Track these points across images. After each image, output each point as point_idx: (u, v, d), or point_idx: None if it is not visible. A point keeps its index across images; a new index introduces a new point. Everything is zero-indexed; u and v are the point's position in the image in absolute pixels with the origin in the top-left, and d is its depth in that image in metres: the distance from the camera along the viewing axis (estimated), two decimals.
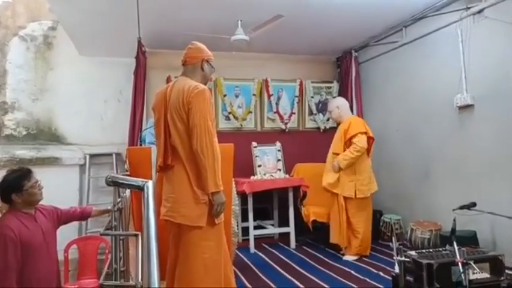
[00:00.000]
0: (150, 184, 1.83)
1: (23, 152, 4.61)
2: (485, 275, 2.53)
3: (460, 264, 2.15)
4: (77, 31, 4.27)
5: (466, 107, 3.63)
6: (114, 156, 4.88)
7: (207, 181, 2.07)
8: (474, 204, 2.69)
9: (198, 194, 2.11)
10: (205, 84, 2.32)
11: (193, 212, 2.10)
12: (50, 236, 2.66)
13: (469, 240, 3.25)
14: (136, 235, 2.07)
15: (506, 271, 2.60)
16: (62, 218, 2.78)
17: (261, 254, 4.10)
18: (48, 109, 4.90)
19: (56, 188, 4.55)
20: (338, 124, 4.10)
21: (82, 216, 2.95)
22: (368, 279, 3.14)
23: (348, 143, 3.80)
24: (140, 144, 4.07)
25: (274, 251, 4.23)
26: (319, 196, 4.14)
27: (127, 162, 3.07)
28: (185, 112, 2.11)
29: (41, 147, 4.78)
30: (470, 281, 2.30)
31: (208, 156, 2.07)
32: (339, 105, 4.08)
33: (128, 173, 2.88)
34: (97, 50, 4.81)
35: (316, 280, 3.19)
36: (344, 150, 3.80)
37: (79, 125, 4.96)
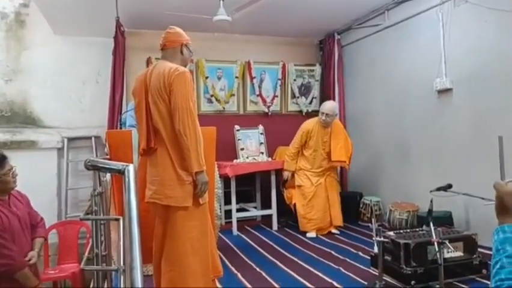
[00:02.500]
0: (131, 168, 1.80)
1: None
2: (459, 253, 2.65)
3: (435, 243, 2.22)
4: (51, 8, 4.08)
5: (444, 91, 3.70)
6: (93, 139, 4.77)
7: (191, 161, 2.11)
8: (450, 186, 2.77)
9: (182, 175, 2.14)
10: (185, 67, 2.32)
11: (179, 193, 2.14)
12: (26, 221, 2.63)
13: (445, 220, 3.37)
14: (117, 219, 2.05)
15: (479, 249, 2.73)
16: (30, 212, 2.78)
17: (243, 236, 4.14)
18: (22, 91, 4.72)
19: (34, 173, 4.44)
20: (325, 127, 4.17)
21: (33, 231, 2.79)
22: (348, 259, 3.23)
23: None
24: (121, 127, 3.98)
25: (256, 233, 4.28)
26: None
27: (107, 146, 3.00)
28: (167, 94, 2.14)
29: (16, 130, 4.62)
30: (445, 259, 2.40)
31: (190, 136, 2.10)
32: (337, 112, 4.31)
33: (108, 156, 2.82)
34: (73, 29, 4.63)
35: (298, 261, 3.26)
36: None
37: (55, 107, 4.81)
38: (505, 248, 0.82)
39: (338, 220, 4.16)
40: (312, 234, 4.06)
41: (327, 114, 4.06)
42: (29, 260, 2.58)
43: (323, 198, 4.12)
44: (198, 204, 2.20)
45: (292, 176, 4.27)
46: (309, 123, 4.24)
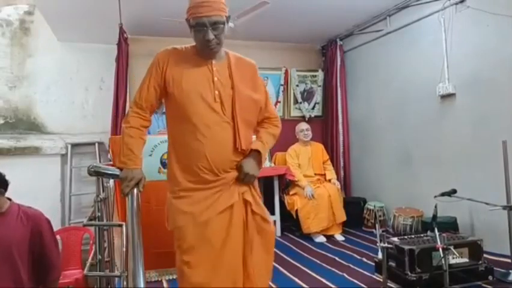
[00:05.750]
0: None
1: (2, 142, 4.47)
2: (465, 260, 2.62)
3: (440, 249, 2.20)
4: (55, 16, 4.12)
5: (447, 96, 3.69)
6: (97, 145, 4.78)
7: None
8: (454, 191, 2.76)
9: None
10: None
11: None
12: (18, 248, 2.10)
13: (450, 226, 3.34)
14: (120, 225, 2.05)
15: (484, 255, 2.70)
16: (40, 243, 2.19)
17: None
18: (27, 97, 4.75)
19: (37, 179, 4.48)
20: (304, 144, 4.50)
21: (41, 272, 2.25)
22: (351, 265, 3.20)
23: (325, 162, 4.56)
24: None
25: None
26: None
27: (110, 152, 3.01)
28: None
29: (20, 136, 4.64)
30: (450, 265, 2.38)
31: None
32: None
33: (111, 162, 2.83)
34: (77, 35, 4.67)
35: (301, 267, 3.24)
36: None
37: (59, 113, 4.83)
38: None
39: (341, 216, 4.16)
40: (320, 238, 4.04)
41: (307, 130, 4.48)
42: None
43: (325, 198, 4.13)
44: None
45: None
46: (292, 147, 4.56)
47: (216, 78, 1.61)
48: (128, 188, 1.57)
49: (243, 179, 1.65)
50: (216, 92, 1.60)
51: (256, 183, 1.78)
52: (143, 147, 1.69)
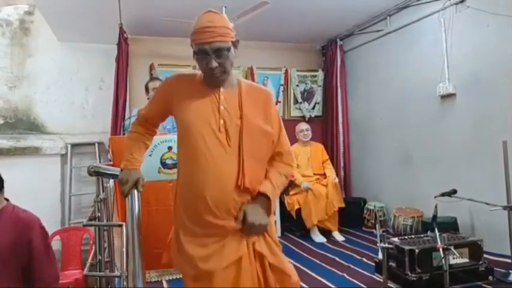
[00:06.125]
0: None
1: (1, 142, 4.46)
2: (465, 260, 2.62)
3: (440, 249, 2.20)
4: (55, 16, 4.12)
5: (447, 96, 3.69)
6: (96, 145, 4.78)
7: None
8: (454, 191, 2.76)
9: None
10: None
11: None
12: (3, 251, 1.87)
13: (450, 226, 3.34)
14: (120, 225, 2.04)
15: (484, 255, 2.70)
16: (28, 252, 1.92)
17: None
18: (26, 97, 4.74)
19: (37, 179, 4.47)
20: (304, 144, 4.50)
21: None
22: (352, 266, 3.20)
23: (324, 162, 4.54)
24: (124, 134, 3.99)
25: None
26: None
27: (110, 152, 3.01)
28: None
29: (20, 136, 4.64)
30: (450, 265, 2.38)
31: None
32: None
33: (111, 162, 2.83)
34: (77, 35, 4.66)
35: (301, 267, 3.23)
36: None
37: (59, 113, 4.83)
38: None
39: (339, 202, 4.18)
40: (320, 238, 4.04)
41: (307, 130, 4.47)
42: None
43: (323, 192, 4.16)
44: None
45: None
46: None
47: (222, 107, 1.46)
48: (126, 189, 1.52)
49: (249, 231, 1.40)
50: (221, 122, 1.44)
51: (273, 224, 1.53)
52: (145, 150, 1.65)
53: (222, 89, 1.49)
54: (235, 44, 1.46)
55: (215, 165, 1.40)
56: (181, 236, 1.45)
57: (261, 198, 1.45)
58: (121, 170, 1.57)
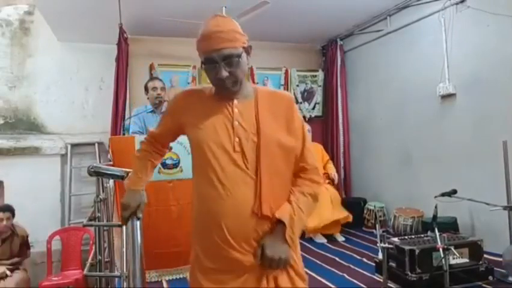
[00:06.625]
0: None
1: (1, 142, 4.46)
2: (465, 260, 2.62)
3: (440, 249, 2.20)
4: (55, 16, 4.12)
5: (448, 96, 3.69)
6: (96, 145, 4.77)
7: None
8: (455, 191, 2.76)
9: None
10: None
11: None
12: None
13: (450, 226, 3.34)
14: (120, 225, 2.04)
15: (485, 255, 2.70)
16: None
17: None
18: (26, 97, 4.74)
19: (37, 179, 4.47)
20: None
21: None
22: (352, 266, 3.20)
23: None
24: (124, 133, 3.99)
25: None
26: None
27: (110, 152, 3.01)
28: None
29: (20, 136, 4.64)
30: (451, 265, 2.38)
31: None
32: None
33: (111, 162, 2.83)
34: (77, 35, 4.66)
35: None
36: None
37: (59, 113, 4.82)
38: None
39: (341, 213, 4.09)
40: (320, 239, 4.04)
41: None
42: None
43: (326, 195, 4.07)
44: None
45: None
46: None
47: (236, 123, 1.29)
48: (125, 216, 1.42)
49: (269, 266, 1.24)
50: (236, 140, 1.27)
51: (298, 255, 1.38)
52: (152, 169, 1.53)
53: (235, 101, 1.32)
54: (247, 50, 1.32)
55: (232, 191, 1.25)
56: (197, 272, 1.33)
57: (280, 226, 1.27)
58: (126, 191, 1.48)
